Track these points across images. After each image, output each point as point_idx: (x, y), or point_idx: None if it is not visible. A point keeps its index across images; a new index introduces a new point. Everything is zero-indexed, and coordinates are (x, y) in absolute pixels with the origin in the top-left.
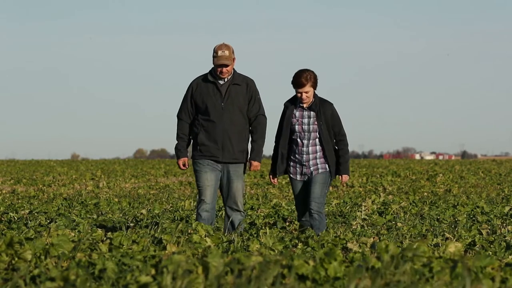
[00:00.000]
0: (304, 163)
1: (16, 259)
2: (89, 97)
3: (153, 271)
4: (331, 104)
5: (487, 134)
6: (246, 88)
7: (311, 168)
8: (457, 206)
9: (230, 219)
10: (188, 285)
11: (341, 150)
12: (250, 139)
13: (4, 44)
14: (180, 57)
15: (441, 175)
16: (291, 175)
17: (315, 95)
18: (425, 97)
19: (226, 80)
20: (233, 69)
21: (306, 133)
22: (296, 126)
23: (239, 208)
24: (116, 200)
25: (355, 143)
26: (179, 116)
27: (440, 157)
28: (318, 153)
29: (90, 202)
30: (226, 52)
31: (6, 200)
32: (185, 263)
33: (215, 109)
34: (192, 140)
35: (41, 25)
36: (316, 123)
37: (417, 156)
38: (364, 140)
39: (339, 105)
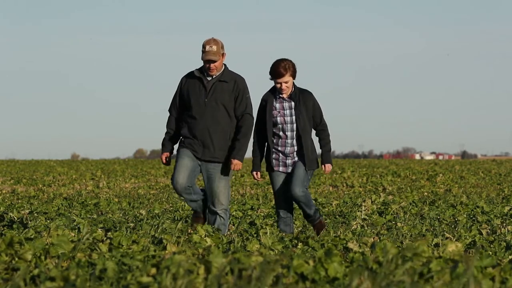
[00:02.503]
0: (289, 154)
1: (16, 259)
2: (89, 97)
3: (153, 271)
4: (311, 93)
5: (487, 134)
6: (234, 85)
7: (296, 159)
8: (457, 206)
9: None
10: (188, 285)
11: (322, 140)
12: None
13: (4, 44)
14: (180, 57)
15: (441, 175)
16: (275, 169)
17: (294, 85)
18: (425, 97)
19: (214, 76)
20: (224, 65)
21: (289, 124)
22: (278, 118)
23: (218, 208)
24: (116, 200)
25: (355, 143)
26: (169, 110)
27: (440, 157)
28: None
29: (90, 202)
30: (214, 47)
31: (6, 200)
32: (186, 263)
33: (198, 105)
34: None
35: (41, 25)
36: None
37: (417, 156)
38: (364, 140)
39: (339, 105)
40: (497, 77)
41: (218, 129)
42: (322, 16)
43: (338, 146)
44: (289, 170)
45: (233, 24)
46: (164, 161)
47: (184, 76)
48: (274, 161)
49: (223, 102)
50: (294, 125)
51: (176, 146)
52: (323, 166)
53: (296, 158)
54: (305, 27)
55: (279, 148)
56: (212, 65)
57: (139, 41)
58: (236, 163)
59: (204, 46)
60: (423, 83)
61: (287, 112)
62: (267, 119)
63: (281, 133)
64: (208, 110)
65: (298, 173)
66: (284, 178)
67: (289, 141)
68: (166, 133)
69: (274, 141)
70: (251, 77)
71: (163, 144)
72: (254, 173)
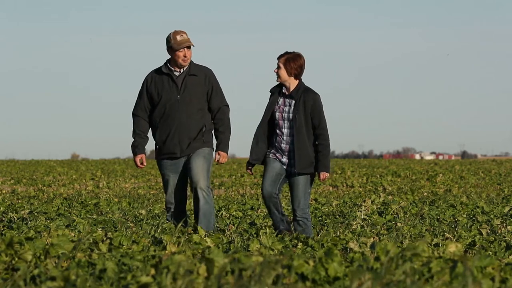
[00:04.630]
0: (285, 152)
1: (16, 259)
2: (89, 97)
3: (153, 271)
4: (316, 94)
5: (487, 134)
6: (204, 78)
7: (291, 160)
8: (457, 206)
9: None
10: (188, 285)
11: (320, 145)
12: (213, 130)
13: (4, 44)
14: None
15: (441, 175)
16: (270, 156)
17: (300, 83)
18: (425, 97)
19: (182, 71)
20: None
21: (286, 121)
22: (277, 113)
23: (198, 184)
24: (116, 200)
25: (355, 143)
26: (134, 113)
27: (440, 157)
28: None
29: (90, 202)
30: (185, 36)
31: (6, 200)
32: (186, 263)
33: (171, 102)
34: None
35: (41, 25)
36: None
37: (417, 156)
38: (364, 140)
39: (340, 105)
40: (497, 77)
41: (193, 124)
42: (322, 16)
43: (338, 146)
44: (284, 166)
45: (233, 24)
46: (138, 164)
47: (149, 74)
48: (271, 154)
49: (196, 96)
50: (291, 123)
51: (147, 147)
52: (318, 174)
53: (292, 161)
54: (305, 27)
55: (276, 144)
56: (187, 52)
57: (139, 41)
58: (223, 155)
59: (174, 38)
60: (423, 83)
61: (286, 108)
62: (267, 110)
63: (277, 130)
64: (182, 107)
65: (298, 194)
66: (278, 165)
67: (285, 138)
68: (136, 135)
69: (273, 137)
70: (251, 76)
71: (135, 146)
72: (247, 166)
